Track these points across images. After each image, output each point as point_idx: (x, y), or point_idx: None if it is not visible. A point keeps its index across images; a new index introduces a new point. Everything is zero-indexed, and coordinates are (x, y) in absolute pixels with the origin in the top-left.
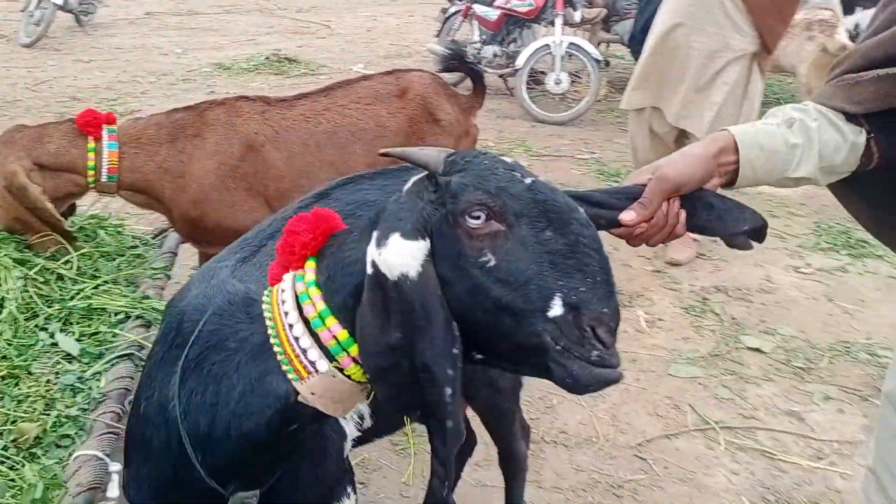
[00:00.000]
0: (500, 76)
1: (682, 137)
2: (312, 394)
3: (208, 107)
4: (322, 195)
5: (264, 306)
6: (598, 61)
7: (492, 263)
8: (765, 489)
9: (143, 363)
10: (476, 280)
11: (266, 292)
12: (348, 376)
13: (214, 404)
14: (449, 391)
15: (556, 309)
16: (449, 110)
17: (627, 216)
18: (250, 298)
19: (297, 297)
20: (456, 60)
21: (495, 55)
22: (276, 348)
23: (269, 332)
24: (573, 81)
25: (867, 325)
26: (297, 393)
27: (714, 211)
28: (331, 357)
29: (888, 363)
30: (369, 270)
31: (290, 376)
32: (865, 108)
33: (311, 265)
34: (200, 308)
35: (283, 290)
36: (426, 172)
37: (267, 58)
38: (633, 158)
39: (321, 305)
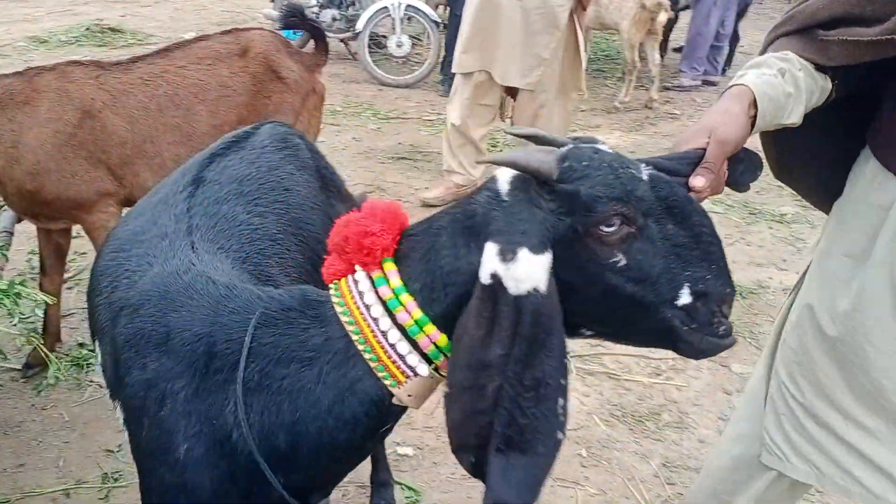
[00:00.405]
0: (342, 40)
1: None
2: (409, 395)
3: (38, 73)
4: (197, 181)
5: (338, 309)
6: (436, 23)
7: (622, 263)
8: (612, 406)
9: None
10: (607, 281)
11: (334, 293)
12: (443, 376)
13: (295, 421)
14: (562, 402)
15: (685, 297)
16: (293, 68)
17: (698, 182)
18: (308, 300)
19: (384, 302)
20: (295, 17)
21: (334, 19)
22: (366, 355)
23: (354, 337)
24: (415, 44)
25: None
26: (392, 395)
27: (741, 164)
28: (429, 360)
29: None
30: (486, 281)
31: (386, 382)
32: (836, 62)
33: (391, 268)
34: (227, 324)
35: (362, 294)
36: (520, 175)
37: (88, 28)
38: (447, 121)
39: (418, 314)
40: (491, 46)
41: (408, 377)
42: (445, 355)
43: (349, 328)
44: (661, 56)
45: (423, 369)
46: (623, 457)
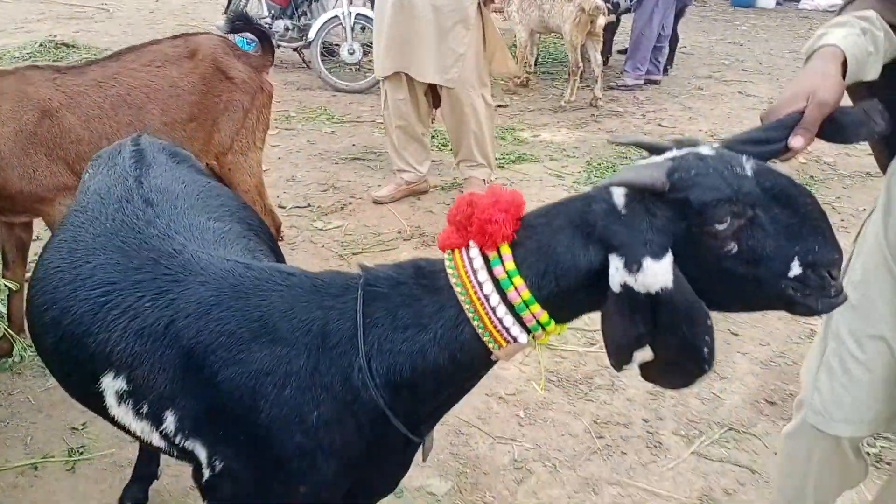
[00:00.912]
0: (295, 49)
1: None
2: (505, 354)
3: None
4: (147, 202)
5: (452, 280)
6: None
7: (735, 251)
8: (549, 373)
9: None
10: (722, 267)
11: (448, 265)
12: (536, 340)
13: (413, 376)
14: (708, 339)
15: (796, 269)
16: (240, 68)
17: (797, 143)
18: (422, 271)
19: (497, 280)
20: (241, 22)
21: (287, 29)
22: (474, 322)
23: (465, 306)
24: (366, 51)
25: None
26: (491, 353)
27: (834, 122)
28: (528, 331)
29: None
30: (618, 290)
31: (490, 345)
32: None
33: (506, 251)
34: (334, 305)
35: (476, 271)
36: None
37: (42, 44)
38: (386, 124)
39: (527, 294)
40: (407, 47)
41: (508, 342)
42: (543, 328)
43: (461, 298)
44: (606, 58)
45: (523, 338)
46: (557, 416)
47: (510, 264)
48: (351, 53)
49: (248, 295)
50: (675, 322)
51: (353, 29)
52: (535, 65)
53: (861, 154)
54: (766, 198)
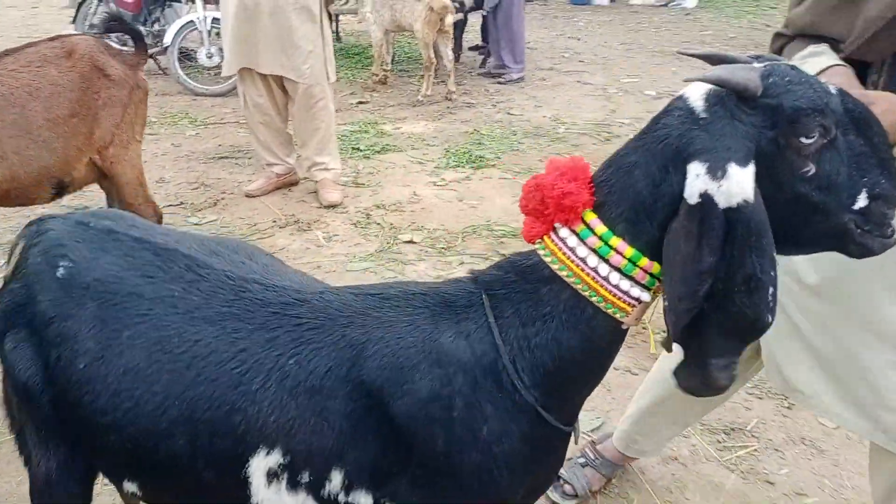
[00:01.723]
0: (150, 56)
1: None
2: (635, 319)
3: None
4: (203, 266)
5: (554, 267)
6: None
7: (811, 173)
8: None
9: None
10: (797, 190)
11: (544, 254)
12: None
13: (555, 366)
14: (772, 290)
15: (862, 201)
16: (116, 66)
17: None
18: (521, 268)
19: (595, 250)
20: (116, 22)
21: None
22: (592, 298)
23: (577, 287)
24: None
25: (487, 213)
26: (621, 322)
27: None
28: (647, 288)
29: (502, 235)
30: (694, 201)
31: (616, 315)
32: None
33: (591, 217)
34: (469, 317)
35: (573, 249)
36: (718, 90)
37: None
38: (249, 122)
39: (630, 252)
40: (252, 44)
41: (633, 306)
42: (658, 279)
43: (570, 280)
44: (458, 55)
45: (646, 296)
46: None
47: (601, 228)
48: (209, 57)
49: (393, 324)
50: (744, 250)
51: (210, 33)
52: (392, 63)
53: None
54: (846, 119)
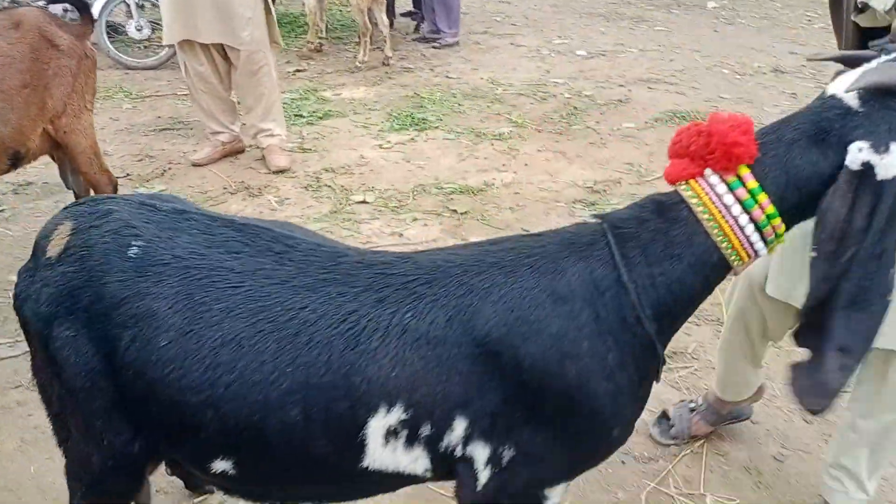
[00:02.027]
0: None
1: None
2: (744, 268)
3: None
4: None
5: (698, 209)
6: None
7: None
8: None
9: None
10: None
11: (690, 196)
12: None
13: (673, 301)
14: (893, 270)
15: None
16: (64, 36)
17: None
18: (662, 206)
19: (741, 201)
20: None
21: (66, 10)
22: (722, 244)
23: (713, 231)
24: (155, 28)
25: (434, 172)
26: (732, 269)
27: None
28: (766, 245)
29: (451, 192)
30: (856, 168)
31: (735, 263)
32: None
33: (745, 172)
34: (595, 256)
35: (720, 196)
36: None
37: None
38: (192, 92)
39: (771, 209)
40: (191, 13)
41: (751, 258)
42: (777, 238)
43: (708, 224)
44: (391, 20)
45: (764, 251)
46: None
47: (752, 183)
48: (139, 30)
49: (514, 268)
50: (889, 221)
51: (138, 6)
52: (326, 31)
53: (613, 87)
54: None
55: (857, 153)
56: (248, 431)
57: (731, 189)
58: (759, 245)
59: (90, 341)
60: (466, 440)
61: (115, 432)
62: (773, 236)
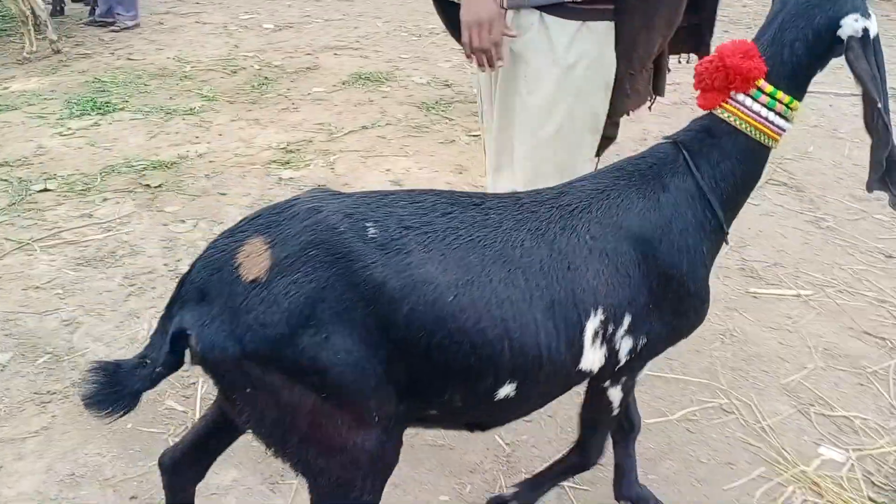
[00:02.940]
0: None
1: None
2: (778, 144)
3: None
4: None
5: (735, 123)
6: None
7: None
8: (78, 257)
9: None
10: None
11: (727, 116)
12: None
13: (734, 192)
14: None
15: None
16: None
17: None
18: (709, 129)
19: (765, 105)
20: None
21: None
22: (761, 139)
23: (752, 134)
24: None
25: (123, 152)
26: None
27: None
28: (788, 121)
29: (143, 169)
30: (860, 34)
31: (771, 146)
32: None
33: (762, 82)
34: (674, 167)
35: (750, 108)
36: None
37: None
38: None
39: (787, 99)
40: None
41: (780, 135)
42: (795, 112)
43: (746, 130)
44: (62, 6)
45: (788, 126)
46: (93, 285)
47: (770, 88)
48: None
49: (638, 188)
50: (879, 63)
51: None
52: None
53: (302, 56)
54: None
55: (854, 23)
56: (529, 350)
57: (755, 99)
58: (785, 124)
59: (347, 332)
60: (625, 334)
61: (387, 404)
62: (793, 115)
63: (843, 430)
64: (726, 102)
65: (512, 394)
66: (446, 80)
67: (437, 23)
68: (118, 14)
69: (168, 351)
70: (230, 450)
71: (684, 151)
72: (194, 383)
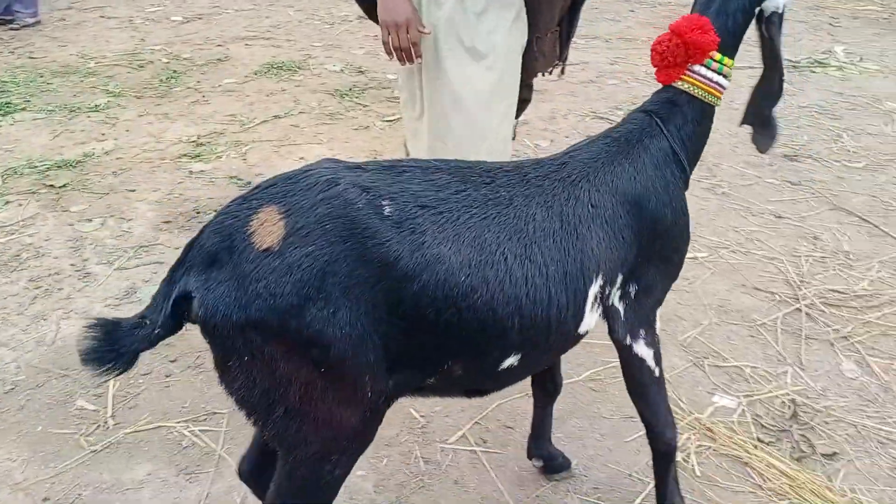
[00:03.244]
0: None
1: None
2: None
3: None
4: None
5: (693, 91)
6: None
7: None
8: None
9: None
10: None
11: (684, 86)
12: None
13: (697, 146)
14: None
15: None
16: None
17: None
18: (671, 100)
19: (716, 70)
20: None
21: None
22: (710, 100)
23: (706, 99)
24: None
25: (26, 153)
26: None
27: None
28: (727, 78)
29: (47, 170)
30: (781, 10)
31: (716, 105)
32: None
33: (713, 51)
34: (649, 131)
35: (704, 76)
36: None
37: None
38: None
39: (730, 62)
40: None
41: (721, 93)
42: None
43: (702, 96)
44: None
45: (727, 84)
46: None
47: (718, 55)
48: None
49: (625, 155)
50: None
51: None
52: None
53: (212, 47)
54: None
55: (780, 4)
56: (540, 324)
57: (708, 67)
58: (726, 83)
59: (353, 307)
60: (618, 290)
61: (379, 381)
62: (730, 73)
63: (734, 380)
64: (685, 75)
65: (516, 363)
66: (360, 67)
67: (350, 10)
68: (17, 11)
69: (169, 313)
70: (143, 442)
71: (656, 119)
72: (105, 381)
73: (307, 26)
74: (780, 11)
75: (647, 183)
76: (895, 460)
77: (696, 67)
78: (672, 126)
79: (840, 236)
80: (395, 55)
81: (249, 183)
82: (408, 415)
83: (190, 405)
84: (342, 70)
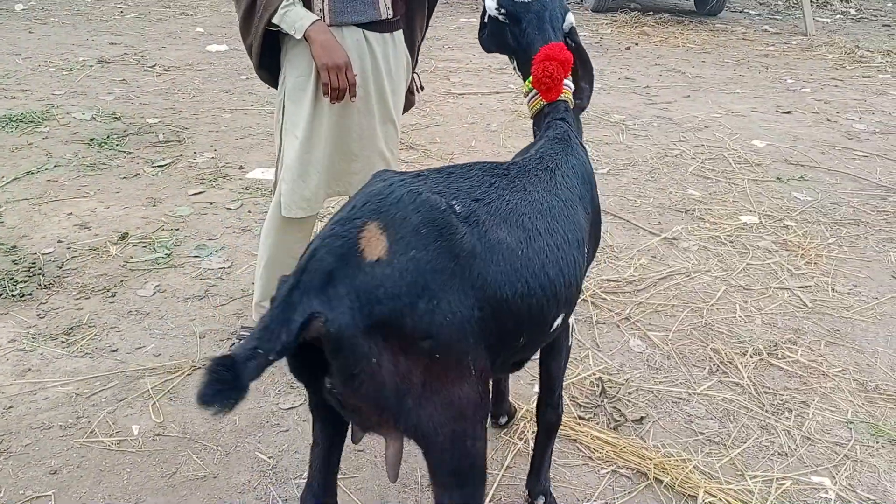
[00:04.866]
0: None
1: None
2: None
3: None
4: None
5: (564, 97)
6: None
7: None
8: None
9: None
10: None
11: (566, 98)
12: None
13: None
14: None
15: None
16: None
17: None
18: (567, 109)
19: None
20: None
21: None
22: (574, 102)
23: (570, 99)
24: None
25: None
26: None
27: None
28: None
29: None
30: (573, 25)
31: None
32: None
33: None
34: (562, 138)
35: (566, 86)
36: None
37: None
38: None
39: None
40: None
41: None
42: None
43: (570, 99)
44: None
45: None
46: None
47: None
48: None
49: (568, 142)
50: None
51: None
52: None
53: None
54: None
55: (571, 17)
56: (573, 281)
57: (567, 84)
58: (571, 84)
59: (451, 297)
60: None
61: (482, 358)
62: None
63: None
64: (564, 90)
65: (559, 322)
66: (113, 113)
67: (88, 55)
68: None
69: (293, 338)
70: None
71: (566, 123)
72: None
73: (41, 74)
74: (574, 25)
75: (588, 165)
76: (689, 415)
77: (567, 82)
78: (573, 128)
79: (604, 234)
80: (331, 95)
81: (14, 247)
82: (255, 458)
83: None
84: (93, 118)
